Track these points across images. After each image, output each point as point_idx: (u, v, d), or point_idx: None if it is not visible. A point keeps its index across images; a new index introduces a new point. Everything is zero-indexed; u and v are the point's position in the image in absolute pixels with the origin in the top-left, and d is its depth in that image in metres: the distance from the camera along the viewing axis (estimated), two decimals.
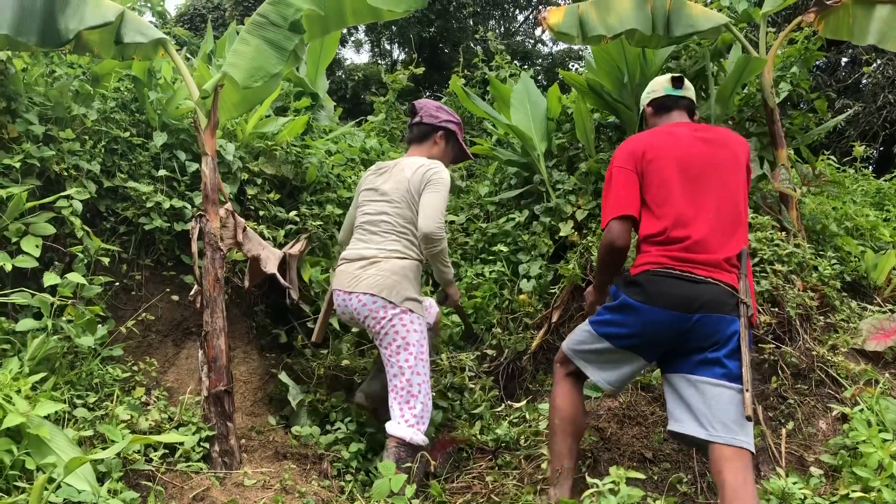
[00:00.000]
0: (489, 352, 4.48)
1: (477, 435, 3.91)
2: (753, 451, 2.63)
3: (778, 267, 4.00)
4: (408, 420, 3.39)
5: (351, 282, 3.53)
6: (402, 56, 19.10)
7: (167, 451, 3.16)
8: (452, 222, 5.16)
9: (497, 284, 4.71)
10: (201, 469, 3.16)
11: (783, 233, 4.37)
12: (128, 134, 3.96)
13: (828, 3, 4.47)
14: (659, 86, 3.29)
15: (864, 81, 14.72)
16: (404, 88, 6.73)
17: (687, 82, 3.26)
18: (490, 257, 4.85)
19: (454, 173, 5.82)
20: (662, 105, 3.25)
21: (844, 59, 15.74)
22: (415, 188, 3.59)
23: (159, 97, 4.17)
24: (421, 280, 3.66)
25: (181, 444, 3.20)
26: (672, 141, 2.99)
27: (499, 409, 4.16)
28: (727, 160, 2.94)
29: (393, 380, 3.48)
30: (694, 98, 3.29)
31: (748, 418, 2.59)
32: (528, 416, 3.98)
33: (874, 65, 14.21)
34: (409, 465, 3.28)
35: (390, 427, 3.39)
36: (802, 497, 2.71)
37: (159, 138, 4.02)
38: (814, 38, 5.02)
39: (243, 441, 3.59)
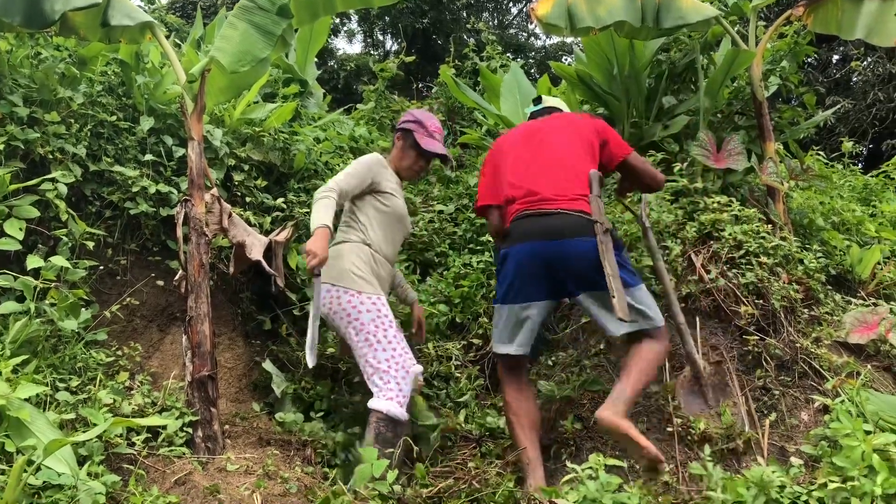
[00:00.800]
0: (475, 341, 4.48)
1: (462, 423, 3.91)
2: (654, 326, 3.27)
3: (763, 259, 4.01)
4: (385, 393, 3.36)
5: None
6: (395, 47, 19.04)
7: (150, 435, 3.15)
8: (441, 212, 5.16)
9: (485, 274, 4.71)
10: (184, 454, 3.15)
11: (769, 226, 4.38)
12: (114, 118, 3.94)
13: None
14: (528, 109, 4.03)
15: (854, 79, 14.77)
16: (395, 78, 6.72)
17: (545, 98, 3.97)
18: (478, 247, 4.86)
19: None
20: (533, 117, 3.90)
21: (836, 57, 15.79)
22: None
23: (147, 81, 4.15)
24: (371, 261, 3.61)
25: (164, 428, 3.19)
26: (513, 131, 3.77)
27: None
28: (562, 124, 3.56)
29: (360, 361, 3.48)
30: (561, 105, 3.93)
31: (621, 319, 3.07)
32: None
33: (865, 62, 14.25)
34: (389, 438, 3.26)
35: (370, 402, 3.38)
36: (781, 485, 2.72)
37: (146, 122, 4.01)
38: (803, 32, 5.03)
39: (227, 427, 3.58)
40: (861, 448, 2.77)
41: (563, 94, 5.30)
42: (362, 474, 2.75)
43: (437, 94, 6.82)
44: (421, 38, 17.39)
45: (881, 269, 4.67)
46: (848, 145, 6.89)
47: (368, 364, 3.43)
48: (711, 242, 4.17)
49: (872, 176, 6.89)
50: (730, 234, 4.09)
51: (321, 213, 3.32)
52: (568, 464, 2.87)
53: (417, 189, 5.45)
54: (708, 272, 4.00)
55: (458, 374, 4.19)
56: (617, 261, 3.20)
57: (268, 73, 4.50)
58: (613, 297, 3.07)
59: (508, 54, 16.49)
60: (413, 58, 6.20)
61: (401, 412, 3.34)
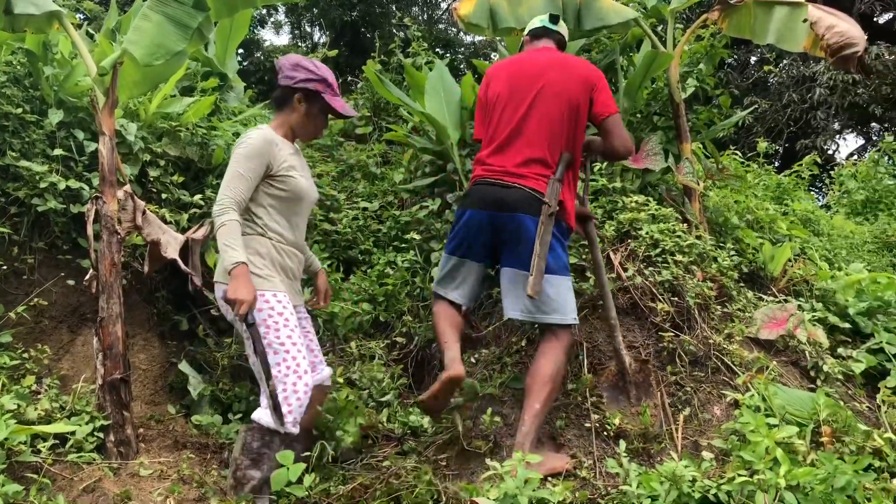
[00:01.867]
0: (399, 339, 4.46)
1: (384, 422, 3.90)
2: (561, 324, 3.31)
3: (679, 257, 4.11)
4: (262, 403, 3.04)
5: None
6: (323, 39, 18.81)
7: (57, 441, 3.04)
8: (366, 209, 5.11)
9: (409, 272, 4.70)
10: (94, 460, 3.06)
11: (685, 224, 4.50)
12: (20, 110, 3.79)
13: (731, 1, 4.60)
14: (538, 20, 3.76)
15: (770, 80, 15.29)
16: None
17: (562, 22, 3.78)
18: (403, 245, 4.83)
19: (369, 158, 5.76)
20: (535, 34, 3.74)
21: (753, 58, 16.33)
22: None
23: (56, 73, 3.99)
24: (273, 252, 3.15)
25: (72, 433, 3.09)
26: (513, 64, 3.58)
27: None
28: (557, 81, 3.41)
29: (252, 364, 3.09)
30: (566, 35, 3.78)
31: (529, 296, 3.13)
32: None
33: (780, 64, 14.77)
34: (254, 449, 2.96)
35: (256, 411, 3.08)
36: (692, 480, 2.80)
37: (55, 116, 3.86)
38: (719, 35, 5.17)
39: (141, 430, 3.49)
40: (765, 442, 2.86)
41: None
42: (277, 478, 2.71)
43: (362, 90, 6.76)
44: (350, 30, 17.20)
45: (791, 266, 4.84)
46: (763, 145, 7.13)
47: (256, 369, 3.07)
48: (629, 241, 4.26)
49: (785, 175, 7.14)
50: (647, 233, 4.18)
51: (230, 245, 2.88)
52: (488, 461, 2.88)
53: (342, 186, 5.40)
54: (626, 270, 4.08)
55: (381, 374, 4.16)
56: (553, 245, 3.27)
57: (185, 66, 4.39)
58: (531, 274, 3.14)
59: (438, 49, 16.51)
60: (336, 52, 6.13)
61: (273, 422, 2.98)
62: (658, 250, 4.15)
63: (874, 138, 18.09)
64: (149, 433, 3.54)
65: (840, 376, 3.87)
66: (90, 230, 3.39)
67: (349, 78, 8.50)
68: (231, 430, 3.62)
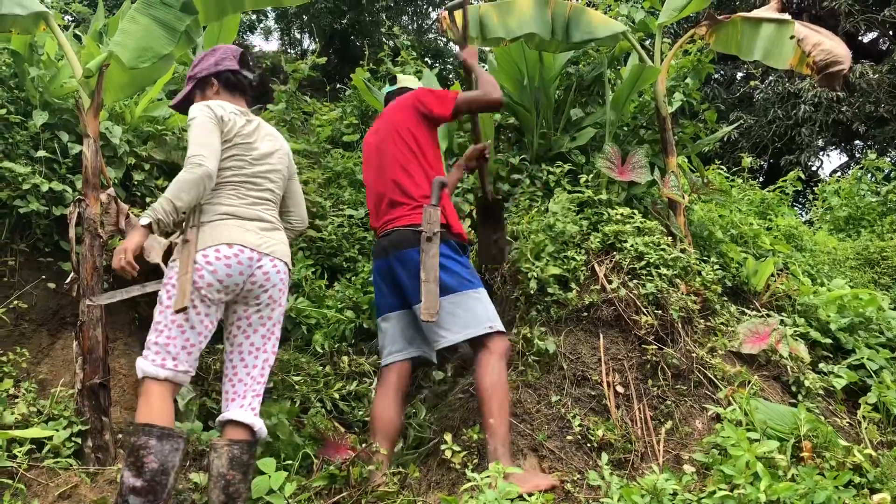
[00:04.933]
0: None
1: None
2: (478, 334, 3.31)
3: (663, 271, 4.12)
4: (255, 409, 3.01)
5: (260, 242, 3.02)
6: (313, 46, 18.79)
7: (34, 446, 3.00)
8: (352, 216, 5.10)
9: None
10: (70, 465, 3.02)
11: (670, 238, 4.51)
12: (4, 111, 3.75)
13: (719, 17, 4.64)
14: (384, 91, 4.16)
15: (756, 96, 15.41)
16: (310, 78, 6.61)
17: (401, 76, 4.10)
18: None
19: (356, 166, 5.74)
20: (386, 102, 4.05)
21: (740, 74, 16.46)
22: (290, 166, 3.38)
23: (41, 74, 3.96)
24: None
25: (49, 438, 3.05)
26: (364, 142, 3.86)
27: None
28: (386, 132, 3.63)
29: (262, 363, 3.07)
30: (409, 82, 4.05)
31: (424, 320, 3.21)
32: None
33: (766, 81, 14.89)
34: (251, 461, 2.91)
35: (243, 413, 2.95)
36: (673, 493, 2.80)
37: (39, 117, 3.83)
38: (706, 50, 5.21)
39: (120, 436, 3.45)
40: (746, 456, 2.87)
41: None
42: (259, 486, 2.69)
43: (349, 97, 6.75)
44: (339, 38, 17.21)
45: (774, 281, 4.87)
46: (747, 160, 7.17)
47: (266, 370, 3.10)
48: (614, 253, 4.27)
49: (769, 191, 7.19)
50: (632, 246, 4.19)
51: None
52: (468, 472, 2.87)
53: (328, 193, 5.38)
54: (610, 282, 4.08)
55: (371, 390, 4.11)
56: (444, 264, 3.33)
57: (172, 69, 4.36)
58: (419, 302, 3.24)
59: (427, 59, 16.52)
60: (325, 59, 6.12)
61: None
62: (643, 263, 4.16)
63: (857, 155, 18.29)
64: (125, 441, 3.49)
65: (821, 391, 3.89)
66: (72, 233, 3.36)
67: (337, 86, 8.48)
68: (208, 438, 3.58)
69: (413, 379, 4.39)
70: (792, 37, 4.23)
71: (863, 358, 4.21)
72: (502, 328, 3.41)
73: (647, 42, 5.36)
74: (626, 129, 5.17)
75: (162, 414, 2.76)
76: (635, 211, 4.46)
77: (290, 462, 3.31)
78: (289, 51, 18.53)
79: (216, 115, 3.03)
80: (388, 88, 4.05)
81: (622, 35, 4.66)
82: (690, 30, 4.91)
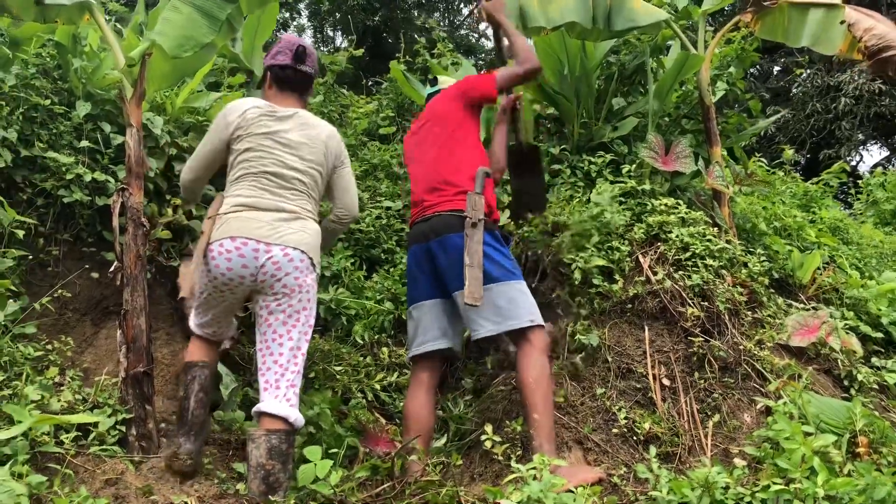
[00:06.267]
0: None
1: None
2: (521, 326, 3.24)
3: (709, 262, 4.04)
4: (290, 399, 3.04)
5: (271, 232, 3.08)
6: (345, 43, 18.85)
7: (80, 433, 3.00)
8: (389, 208, 5.08)
9: None
10: (115, 454, 3.02)
11: (715, 228, 4.42)
12: (49, 102, 3.78)
13: (765, 3, 4.54)
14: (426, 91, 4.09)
15: (794, 91, 15.16)
16: (345, 72, 6.61)
17: (441, 78, 4.01)
18: None
19: (392, 158, 5.73)
20: (427, 101, 3.95)
21: (777, 68, 16.20)
22: (332, 156, 3.37)
23: (84, 65, 3.98)
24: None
25: (95, 426, 3.05)
26: (407, 135, 3.86)
27: None
28: (429, 122, 3.64)
29: (288, 352, 3.08)
30: (448, 83, 3.89)
31: (467, 304, 3.11)
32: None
33: (806, 73, 14.63)
34: (289, 449, 2.96)
35: (277, 405, 2.99)
36: (725, 486, 2.73)
37: (83, 108, 3.85)
38: (750, 38, 5.10)
39: (163, 425, 3.46)
40: (802, 450, 2.79)
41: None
42: (304, 475, 2.67)
43: (386, 90, 6.74)
44: (371, 35, 17.24)
45: (821, 274, 4.75)
46: (789, 153, 7.04)
47: (297, 359, 3.16)
48: (659, 244, 4.19)
49: (813, 183, 7.05)
50: (677, 237, 4.12)
51: None
52: (512, 464, 2.82)
53: (365, 185, 5.37)
54: (655, 273, 4.01)
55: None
56: (487, 252, 3.26)
57: (212, 60, 4.36)
58: (465, 283, 3.13)
59: (459, 54, 16.48)
60: (361, 50, 6.10)
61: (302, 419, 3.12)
62: (688, 254, 4.08)
63: None
64: (170, 428, 3.49)
65: (875, 386, 3.78)
66: (116, 222, 3.36)
67: (371, 80, 8.50)
68: (252, 426, 3.57)
69: (453, 371, 4.36)
70: (842, 21, 4.12)
71: None
72: (543, 322, 3.36)
73: (689, 30, 5.25)
74: (668, 118, 5.08)
75: (192, 357, 3.31)
76: (679, 201, 4.38)
77: (333, 452, 3.28)
78: (321, 48, 18.61)
79: (225, 120, 3.26)
80: (430, 89, 4.00)
81: (665, 23, 4.58)
82: (734, 17, 4.81)
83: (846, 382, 3.81)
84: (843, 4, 4.26)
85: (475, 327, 3.31)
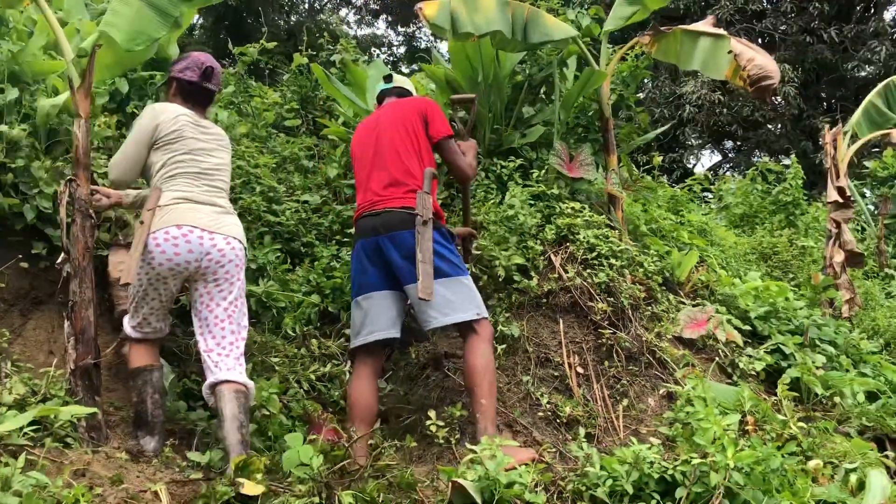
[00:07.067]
0: (347, 332, 4.56)
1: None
2: (469, 319, 3.52)
3: (613, 261, 4.49)
4: (241, 370, 3.36)
5: (213, 222, 3.37)
6: (201, 21, 18.26)
7: (38, 426, 2.98)
8: (307, 202, 5.17)
9: None
10: (70, 445, 3.02)
11: (613, 231, 4.88)
12: None
13: (662, 29, 5.04)
14: (378, 87, 4.23)
15: (641, 96, 16.32)
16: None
17: (396, 76, 4.19)
18: (346, 239, 4.94)
19: (300, 152, 5.79)
20: (380, 100, 4.16)
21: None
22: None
23: (9, 48, 3.84)
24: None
25: (48, 418, 3.03)
26: (360, 125, 4.06)
27: None
28: (391, 122, 3.79)
29: (233, 333, 3.38)
30: (406, 84, 4.17)
31: (421, 298, 3.35)
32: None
33: (655, 82, 15.80)
34: (248, 412, 3.30)
35: (233, 374, 3.28)
36: (651, 461, 3.13)
37: (10, 93, 3.73)
38: (642, 57, 5.62)
39: (106, 417, 3.46)
40: (713, 429, 3.24)
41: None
42: (288, 460, 2.82)
43: (287, 82, 6.77)
44: (232, 15, 16.94)
45: (695, 272, 5.33)
46: (658, 159, 7.70)
47: (241, 336, 3.46)
48: (567, 244, 4.60)
49: (679, 188, 7.75)
50: (584, 238, 4.53)
51: None
52: (467, 445, 3.09)
53: (277, 178, 5.42)
54: (566, 271, 4.41)
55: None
56: (437, 250, 3.51)
57: (152, 53, 4.30)
58: (418, 279, 3.36)
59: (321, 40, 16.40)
60: (274, 44, 6.13)
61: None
62: (594, 254, 4.51)
63: (729, 155, 19.73)
64: (111, 419, 3.51)
65: (752, 373, 4.35)
66: (63, 213, 3.33)
67: (266, 71, 8.51)
68: (197, 417, 3.64)
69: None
70: (730, 52, 4.67)
71: (777, 343, 4.71)
72: (487, 314, 3.65)
73: (591, 47, 5.68)
74: (572, 127, 5.50)
75: (138, 362, 3.46)
76: (584, 205, 4.80)
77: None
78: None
79: (155, 122, 3.43)
80: (382, 86, 4.17)
81: (572, 39, 4.98)
82: (633, 38, 5.29)
83: (729, 370, 4.36)
84: (728, 35, 4.82)
85: (426, 319, 3.55)
